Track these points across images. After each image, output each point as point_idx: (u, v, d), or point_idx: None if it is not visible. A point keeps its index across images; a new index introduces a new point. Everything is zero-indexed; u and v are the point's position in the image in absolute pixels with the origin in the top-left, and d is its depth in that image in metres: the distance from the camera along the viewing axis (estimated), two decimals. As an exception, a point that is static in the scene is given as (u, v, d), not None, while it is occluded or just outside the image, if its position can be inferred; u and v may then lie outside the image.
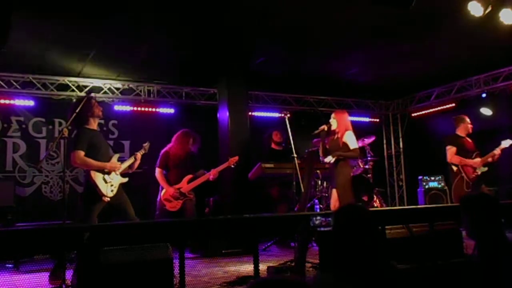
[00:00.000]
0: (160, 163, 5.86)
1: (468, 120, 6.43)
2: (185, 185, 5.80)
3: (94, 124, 4.76)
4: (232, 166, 6.08)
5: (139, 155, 5.04)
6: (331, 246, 2.04)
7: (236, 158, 6.02)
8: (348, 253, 1.95)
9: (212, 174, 5.84)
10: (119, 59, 7.10)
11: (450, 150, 6.26)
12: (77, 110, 4.57)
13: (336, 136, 5.69)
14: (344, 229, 2.00)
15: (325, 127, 5.69)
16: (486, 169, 6.19)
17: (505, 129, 7.93)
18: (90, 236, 2.88)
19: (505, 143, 6.16)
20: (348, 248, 1.96)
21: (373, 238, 1.99)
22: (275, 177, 6.57)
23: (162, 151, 5.91)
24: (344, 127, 5.65)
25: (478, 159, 6.20)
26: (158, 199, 5.88)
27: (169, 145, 5.96)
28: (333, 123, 5.70)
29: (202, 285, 4.04)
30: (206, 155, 8.03)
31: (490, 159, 6.17)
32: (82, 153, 4.51)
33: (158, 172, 5.87)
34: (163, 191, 5.81)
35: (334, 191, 5.60)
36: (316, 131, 5.71)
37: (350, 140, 5.62)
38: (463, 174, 6.21)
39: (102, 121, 5.01)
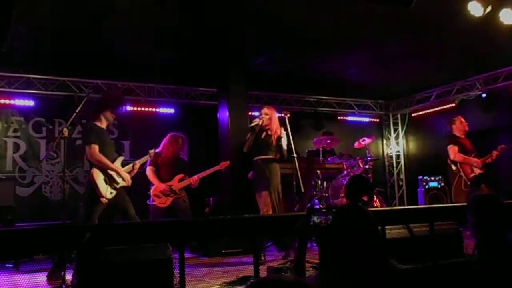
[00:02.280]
0: (151, 162, 5.88)
1: (461, 120, 6.54)
2: (176, 183, 5.83)
3: (103, 124, 4.77)
4: (222, 170, 6.08)
5: (138, 164, 5.05)
6: (331, 244, 2.04)
7: (228, 163, 6.02)
8: (349, 251, 1.95)
9: (192, 180, 5.80)
10: (119, 59, 7.09)
11: (453, 148, 6.35)
12: (77, 110, 4.59)
13: (266, 132, 5.44)
14: (344, 227, 2.00)
15: (258, 121, 5.48)
16: (482, 170, 6.27)
17: (505, 129, 7.95)
18: (90, 236, 2.88)
19: (501, 147, 6.32)
20: (348, 247, 1.96)
21: (373, 237, 1.99)
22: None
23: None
24: (276, 124, 5.46)
25: (477, 160, 6.28)
26: (149, 200, 5.87)
27: (159, 148, 5.97)
28: (265, 119, 5.47)
29: (202, 285, 4.05)
30: (206, 155, 8.04)
31: (488, 160, 6.28)
32: (97, 147, 4.52)
33: (149, 169, 5.88)
34: (153, 187, 5.82)
35: (265, 193, 5.32)
36: (252, 124, 5.53)
37: (285, 140, 5.44)
38: (462, 174, 6.28)
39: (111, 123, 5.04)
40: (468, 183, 6.23)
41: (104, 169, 4.60)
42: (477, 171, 6.26)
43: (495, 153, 6.35)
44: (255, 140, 5.53)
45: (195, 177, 5.83)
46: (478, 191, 5.97)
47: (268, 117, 5.49)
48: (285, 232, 5.09)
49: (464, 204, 5.33)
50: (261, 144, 5.44)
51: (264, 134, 5.47)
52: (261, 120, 5.47)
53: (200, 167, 6.07)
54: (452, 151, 6.36)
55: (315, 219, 2.26)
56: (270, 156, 5.42)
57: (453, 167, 6.40)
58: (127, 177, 4.72)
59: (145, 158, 5.24)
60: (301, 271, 2.27)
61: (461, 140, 6.46)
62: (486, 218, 2.40)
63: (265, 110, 5.59)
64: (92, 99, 4.83)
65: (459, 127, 6.53)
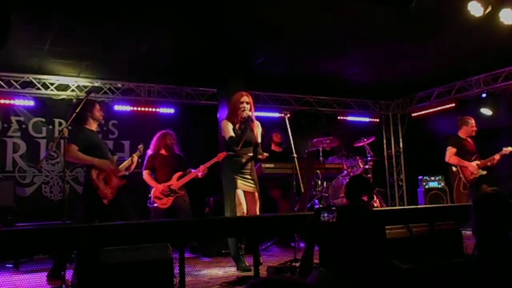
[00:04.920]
0: (146, 166, 5.88)
1: (472, 122, 6.47)
2: (174, 182, 5.82)
3: (93, 125, 4.79)
4: (220, 162, 6.06)
5: (135, 157, 5.08)
6: (334, 244, 2.03)
7: (225, 153, 5.97)
8: (352, 251, 1.95)
9: (201, 170, 5.78)
10: (119, 59, 7.09)
11: (450, 151, 6.32)
12: (77, 110, 4.60)
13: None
14: (348, 227, 2.00)
15: (248, 112, 4.87)
16: (484, 172, 6.24)
17: (505, 129, 7.95)
18: (90, 236, 2.88)
19: (506, 150, 6.23)
20: (351, 247, 1.95)
21: (377, 237, 1.99)
22: (275, 177, 6.56)
23: (147, 155, 5.92)
24: (254, 115, 4.93)
25: (477, 162, 6.25)
26: (149, 201, 5.87)
27: (150, 149, 5.97)
28: (247, 108, 4.86)
29: (202, 285, 4.05)
30: (206, 155, 8.04)
31: (489, 163, 6.23)
32: (75, 147, 4.55)
33: (145, 173, 5.87)
34: (153, 190, 5.82)
35: (257, 195, 4.92)
36: (248, 114, 4.86)
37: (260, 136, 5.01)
38: (461, 175, 6.26)
39: (102, 121, 5.06)
40: (468, 185, 6.22)
41: (101, 169, 4.61)
42: (478, 173, 6.22)
43: (497, 157, 6.26)
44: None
45: (202, 166, 5.75)
46: (480, 192, 5.99)
47: (249, 107, 4.87)
48: (285, 232, 5.10)
49: (464, 204, 5.35)
50: (249, 138, 4.90)
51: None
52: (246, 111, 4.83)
53: (189, 167, 6.07)
54: (449, 153, 6.33)
55: (323, 218, 2.25)
56: (252, 154, 4.98)
57: (454, 169, 6.38)
58: (103, 163, 4.69)
59: (138, 153, 5.25)
60: (308, 273, 2.25)
61: (463, 141, 6.42)
62: (488, 217, 2.40)
63: (246, 98, 4.89)
64: (95, 102, 4.84)
65: (467, 130, 6.43)
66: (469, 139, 6.46)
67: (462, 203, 6.08)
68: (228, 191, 4.87)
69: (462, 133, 6.47)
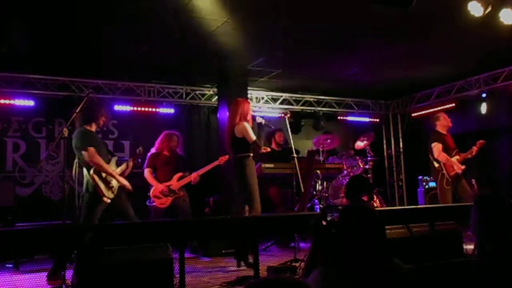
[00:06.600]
0: (148, 164, 5.88)
1: (445, 116, 6.59)
2: (175, 182, 5.82)
3: (93, 127, 4.78)
4: (222, 165, 6.07)
5: (131, 163, 5.06)
6: (335, 243, 2.03)
7: (227, 157, 5.97)
8: (353, 250, 1.95)
9: (192, 178, 5.82)
10: (120, 59, 7.09)
11: (437, 147, 6.39)
12: (77, 110, 4.60)
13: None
14: (350, 226, 2.00)
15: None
16: (463, 167, 6.35)
17: (505, 129, 7.96)
18: (90, 236, 2.88)
19: (479, 143, 6.38)
20: (353, 246, 1.96)
21: (379, 236, 1.99)
22: (275, 177, 6.56)
23: (149, 153, 5.93)
24: None
25: (457, 158, 6.38)
26: (149, 200, 5.87)
27: (154, 147, 5.98)
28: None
29: (202, 285, 4.06)
30: (206, 155, 8.05)
31: (469, 156, 6.37)
32: (94, 150, 4.54)
33: (147, 171, 5.87)
34: (152, 188, 5.82)
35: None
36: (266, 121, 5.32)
37: None
38: (444, 172, 6.32)
39: (104, 128, 5.07)
40: (450, 180, 6.29)
41: (99, 170, 4.62)
42: (460, 170, 6.33)
43: (475, 148, 6.40)
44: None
45: (194, 174, 5.82)
46: (459, 187, 6.12)
47: None
48: (286, 232, 5.10)
49: (464, 204, 5.35)
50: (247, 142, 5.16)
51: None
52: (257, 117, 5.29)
53: (200, 167, 6.08)
54: (437, 149, 6.39)
55: (329, 217, 2.25)
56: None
57: (436, 165, 6.45)
58: (126, 183, 4.75)
59: (136, 157, 5.27)
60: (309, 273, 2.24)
61: (444, 137, 6.51)
62: (490, 217, 2.40)
63: (249, 105, 5.37)
64: (92, 99, 4.83)
65: (443, 123, 6.56)
66: (448, 134, 6.55)
67: (446, 199, 6.21)
68: (254, 190, 5.01)
69: (440, 129, 6.55)
